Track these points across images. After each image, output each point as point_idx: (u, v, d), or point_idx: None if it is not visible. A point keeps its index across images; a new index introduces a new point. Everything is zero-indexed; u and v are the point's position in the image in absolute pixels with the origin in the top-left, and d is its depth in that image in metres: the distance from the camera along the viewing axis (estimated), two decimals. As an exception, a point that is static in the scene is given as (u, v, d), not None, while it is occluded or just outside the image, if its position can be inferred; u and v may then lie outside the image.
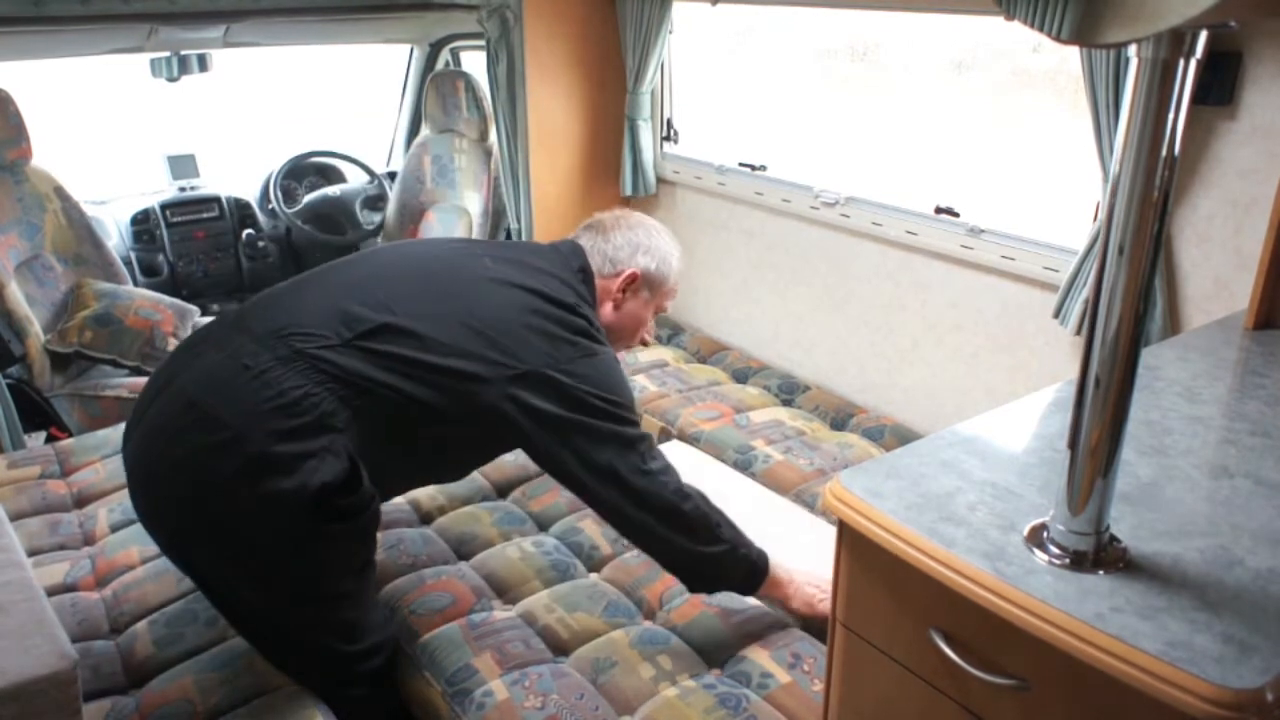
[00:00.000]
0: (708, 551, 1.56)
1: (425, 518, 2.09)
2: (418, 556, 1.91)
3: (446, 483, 1.97)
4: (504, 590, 1.83)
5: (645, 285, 1.74)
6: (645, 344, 1.85)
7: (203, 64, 3.24)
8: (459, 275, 1.58)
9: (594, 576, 1.89)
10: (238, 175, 3.85)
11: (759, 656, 1.63)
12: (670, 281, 1.78)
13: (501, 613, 1.76)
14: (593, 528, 2.00)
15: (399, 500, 2.13)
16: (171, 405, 1.43)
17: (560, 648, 1.69)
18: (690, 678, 1.60)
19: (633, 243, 1.73)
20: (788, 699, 1.53)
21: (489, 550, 1.94)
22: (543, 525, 2.06)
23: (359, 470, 1.43)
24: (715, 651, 1.66)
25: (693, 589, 1.65)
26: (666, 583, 1.82)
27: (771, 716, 1.51)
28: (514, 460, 2.27)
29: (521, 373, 1.48)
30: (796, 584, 1.67)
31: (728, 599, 1.77)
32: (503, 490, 2.19)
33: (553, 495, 2.12)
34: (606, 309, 1.72)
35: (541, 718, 1.50)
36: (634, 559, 1.89)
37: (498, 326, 1.50)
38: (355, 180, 3.97)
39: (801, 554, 1.93)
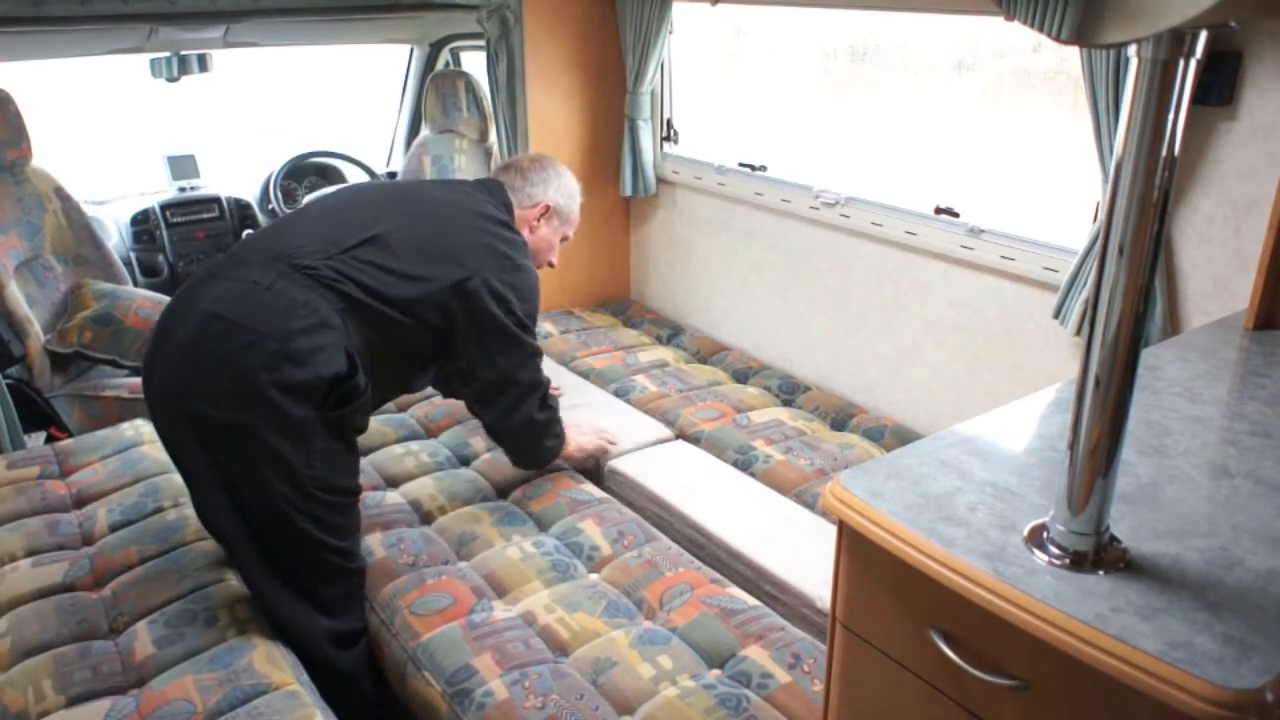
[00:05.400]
0: (544, 446, 2.12)
1: (426, 518, 2.09)
2: (418, 556, 1.91)
3: (412, 391, 2.07)
4: (504, 590, 1.83)
5: (556, 215, 2.15)
6: (552, 265, 2.25)
7: (203, 64, 3.24)
8: (418, 199, 1.96)
9: (594, 577, 1.89)
10: (238, 175, 3.85)
11: (759, 657, 1.63)
12: (575, 214, 2.21)
13: (502, 613, 1.76)
14: (593, 528, 2.00)
15: (399, 499, 2.14)
16: (197, 323, 1.66)
17: (560, 648, 1.68)
18: (690, 678, 1.60)
19: (545, 180, 2.13)
20: (788, 699, 1.53)
21: (489, 550, 1.94)
22: (543, 526, 2.06)
23: (356, 364, 1.72)
24: (715, 652, 1.66)
25: (516, 464, 2.16)
26: (667, 583, 1.82)
27: (772, 717, 1.50)
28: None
29: (468, 276, 1.83)
30: (572, 438, 2.21)
31: (728, 600, 1.77)
32: (503, 491, 2.19)
33: (552, 496, 2.12)
34: (524, 234, 2.07)
35: (542, 718, 1.50)
36: (634, 560, 1.90)
37: (451, 238, 1.87)
38: (355, 180, 3.96)
39: (802, 554, 1.94)
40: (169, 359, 1.68)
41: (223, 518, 1.75)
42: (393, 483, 2.23)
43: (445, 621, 1.73)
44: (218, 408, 1.64)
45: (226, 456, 1.67)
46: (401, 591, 1.81)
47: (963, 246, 2.30)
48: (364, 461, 2.27)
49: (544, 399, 2.02)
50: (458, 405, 2.55)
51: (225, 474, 1.68)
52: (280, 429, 1.64)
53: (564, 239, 2.23)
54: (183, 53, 3.17)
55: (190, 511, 2.00)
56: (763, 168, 2.90)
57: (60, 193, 2.99)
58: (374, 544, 1.95)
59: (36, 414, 2.79)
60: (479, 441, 2.37)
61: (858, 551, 1.10)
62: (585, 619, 1.73)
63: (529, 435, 2.05)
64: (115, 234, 3.44)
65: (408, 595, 1.80)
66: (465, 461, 2.32)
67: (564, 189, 2.15)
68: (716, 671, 1.63)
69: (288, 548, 1.72)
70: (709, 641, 1.68)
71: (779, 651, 1.64)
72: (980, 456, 1.15)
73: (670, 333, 3.16)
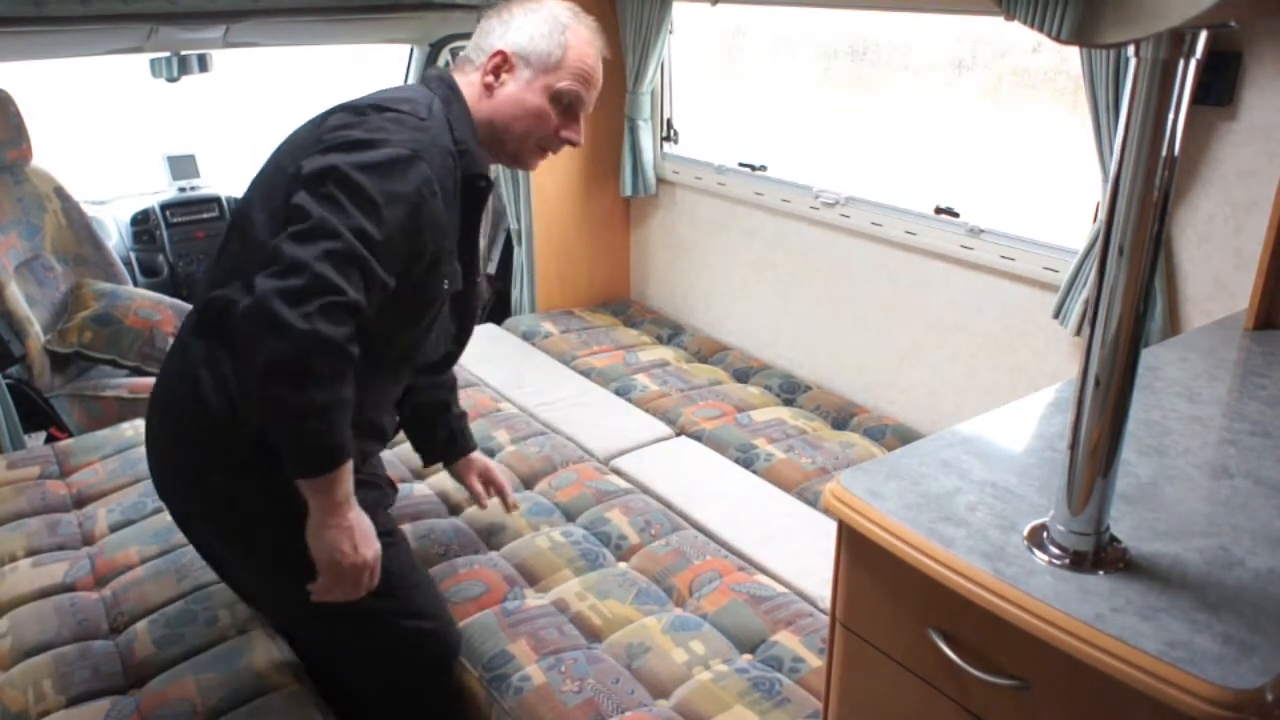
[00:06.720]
0: (294, 400, 1.20)
1: (454, 509, 2.10)
2: (449, 545, 1.93)
3: (398, 399, 1.63)
4: (535, 579, 1.86)
5: (523, 63, 1.47)
6: (572, 143, 1.57)
7: (203, 64, 3.23)
8: (298, 135, 1.43)
9: (623, 565, 1.91)
10: (238, 175, 3.84)
11: (790, 642, 1.66)
12: (558, 55, 1.48)
13: (534, 600, 1.79)
14: (620, 517, 2.02)
15: (427, 491, 2.16)
16: (150, 419, 1.48)
17: (593, 634, 1.71)
18: (723, 662, 1.62)
19: (504, 22, 1.48)
20: (820, 683, 1.55)
21: (519, 540, 1.96)
22: (570, 516, 2.08)
23: None
24: (746, 637, 1.69)
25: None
26: (695, 571, 1.84)
27: (805, 700, 1.53)
28: (539, 452, 2.29)
29: (287, 182, 1.30)
30: (358, 527, 1.32)
31: (757, 588, 1.78)
32: (529, 482, 2.21)
33: (578, 487, 2.14)
34: (482, 105, 1.48)
35: (579, 701, 1.52)
36: (662, 548, 1.92)
37: (291, 159, 1.34)
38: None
39: (804, 553, 1.94)
40: (151, 460, 1.49)
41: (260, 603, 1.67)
42: (419, 475, 2.24)
43: (479, 609, 1.75)
44: (195, 515, 1.49)
45: (227, 554, 1.54)
46: (434, 580, 1.82)
47: (963, 246, 2.30)
48: (391, 454, 2.28)
49: (327, 321, 1.18)
50: (479, 400, 2.56)
51: (241, 569, 1.56)
52: (261, 517, 1.37)
53: (561, 96, 1.51)
54: (183, 53, 3.17)
55: (190, 511, 2.00)
56: (763, 168, 2.90)
57: (60, 193, 2.99)
58: (404, 534, 1.96)
59: (36, 414, 2.79)
60: (503, 434, 2.39)
61: (858, 551, 1.10)
62: (616, 606, 1.75)
63: (266, 341, 1.17)
64: (115, 234, 3.44)
65: (441, 583, 1.81)
66: (490, 454, 2.33)
67: (529, 27, 1.47)
68: (748, 656, 1.66)
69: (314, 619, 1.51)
70: (739, 627, 1.70)
71: (809, 636, 1.66)
72: (980, 456, 1.15)
73: (670, 332, 3.16)
